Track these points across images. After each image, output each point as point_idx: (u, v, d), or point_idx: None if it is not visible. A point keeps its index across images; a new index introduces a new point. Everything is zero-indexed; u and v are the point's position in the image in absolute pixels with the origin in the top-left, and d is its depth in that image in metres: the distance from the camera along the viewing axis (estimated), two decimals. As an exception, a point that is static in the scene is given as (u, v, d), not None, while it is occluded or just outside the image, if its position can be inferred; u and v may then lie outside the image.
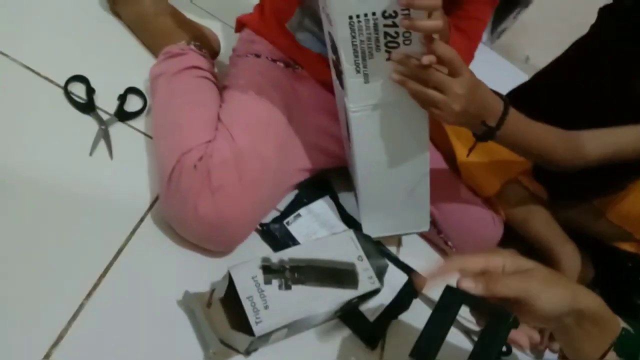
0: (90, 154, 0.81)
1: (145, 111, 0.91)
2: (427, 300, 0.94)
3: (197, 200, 0.73)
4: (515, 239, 1.10)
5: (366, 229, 0.93)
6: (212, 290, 0.74)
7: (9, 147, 0.75)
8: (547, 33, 1.03)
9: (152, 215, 0.79)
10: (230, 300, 0.71)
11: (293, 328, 0.74)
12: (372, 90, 0.74)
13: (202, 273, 0.77)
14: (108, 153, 0.82)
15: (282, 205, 0.91)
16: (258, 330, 0.68)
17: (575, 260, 1.05)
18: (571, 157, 0.89)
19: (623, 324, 0.62)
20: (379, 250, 0.87)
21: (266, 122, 0.82)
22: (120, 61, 0.97)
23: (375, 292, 0.82)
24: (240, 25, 0.99)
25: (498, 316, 0.56)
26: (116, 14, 1.03)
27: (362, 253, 0.83)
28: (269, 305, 0.70)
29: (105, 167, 0.81)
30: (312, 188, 0.96)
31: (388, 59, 0.70)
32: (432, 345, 0.56)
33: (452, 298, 0.58)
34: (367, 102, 0.75)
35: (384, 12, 0.66)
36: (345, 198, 1.00)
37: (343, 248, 0.82)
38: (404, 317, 0.88)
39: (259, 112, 0.83)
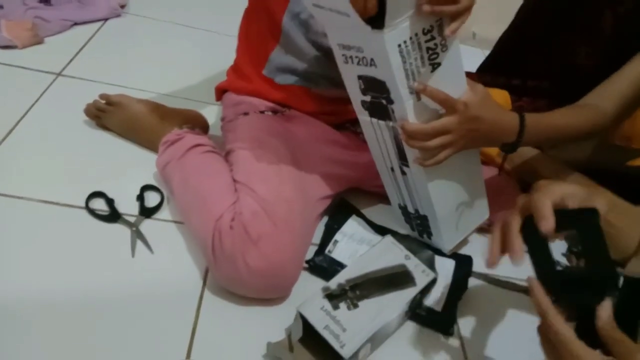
0: (133, 255, 0.85)
1: (165, 201, 0.96)
2: (480, 275, 0.97)
3: (245, 256, 0.77)
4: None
5: (448, 242, 0.96)
6: (289, 334, 0.78)
7: (56, 278, 0.79)
8: (485, 7, 1.10)
9: (209, 289, 0.83)
10: (309, 338, 0.75)
11: (375, 341, 0.77)
12: (424, 105, 0.76)
13: (274, 322, 0.80)
14: (148, 249, 0.87)
15: (317, 238, 0.96)
16: (345, 352, 0.71)
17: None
18: (594, 125, 0.93)
19: None
20: (421, 244, 0.91)
21: (277, 167, 0.87)
22: (125, 166, 1.02)
23: (433, 283, 0.86)
24: (220, 93, 1.05)
25: (584, 216, 0.58)
26: (104, 127, 1.09)
27: (407, 252, 0.87)
28: (346, 327, 0.74)
29: (150, 263, 0.85)
30: (338, 213, 1.01)
31: (432, 71, 0.74)
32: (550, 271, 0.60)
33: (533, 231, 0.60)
34: (424, 118, 0.77)
35: (424, 29, 0.71)
36: (368, 213, 1.04)
37: (389, 253, 0.87)
38: (466, 296, 0.91)
39: (268, 161, 0.88)
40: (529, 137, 0.84)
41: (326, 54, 0.94)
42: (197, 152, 0.93)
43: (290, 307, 0.81)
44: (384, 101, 0.77)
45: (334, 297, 0.78)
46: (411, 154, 0.81)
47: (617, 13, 1.00)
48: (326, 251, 0.93)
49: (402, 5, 0.67)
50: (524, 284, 0.94)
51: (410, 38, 0.70)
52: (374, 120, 0.82)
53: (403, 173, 0.87)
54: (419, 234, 0.99)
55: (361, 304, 0.78)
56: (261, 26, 0.96)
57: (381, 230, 1.00)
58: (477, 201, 0.97)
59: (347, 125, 1.05)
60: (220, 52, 1.27)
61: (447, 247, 0.96)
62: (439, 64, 0.75)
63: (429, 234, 0.96)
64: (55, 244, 0.84)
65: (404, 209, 0.97)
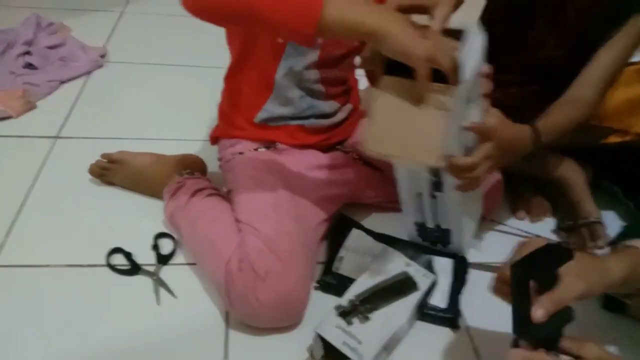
0: (158, 303, 0.93)
1: (178, 245, 1.03)
2: (479, 266, 1.05)
3: (256, 294, 0.84)
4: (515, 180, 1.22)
5: (467, 245, 1.07)
6: (311, 352, 0.86)
7: (90, 335, 0.86)
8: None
9: (232, 324, 0.90)
10: (330, 354, 0.82)
11: (390, 347, 0.85)
12: (460, 138, 0.82)
13: (296, 344, 0.88)
14: (171, 295, 0.94)
15: (323, 257, 1.03)
16: (364, 363, 0.79)
17: (576, 172, 1.17)
18: (585, 115, 1.02)
19: None
20: (419, 250, 0.99)
21: (275, 203, 0.94)
22: (136, 218, 1.09)
23: (434, 284, 0.93)
24: (214, 139, 1.12)
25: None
26: (109, 183, 1.16)
27: (407, 259, 0.95)
28: (361, 340, 0.82)
29: (175, 306, 0.93)
30: (339, 229, 1.08)
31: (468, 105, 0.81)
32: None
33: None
34: (461, 149, 0.83)
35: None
36: (366, 223, 1.12)
37: (390, 264, 0.94)
38: (467, 289, 0.99)
39: (266, 198, 0.95)
40: (543, 142, 0.95)
41: (318, 95, 1.01)
42: (199, 197, 1.00)
43: (308, 327, 0.89)
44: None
45: (346, 314, 0.85)
46: (450, 182, 0.88)
47: (579, 7, 1.06)
48: (333, 269, 1.00)
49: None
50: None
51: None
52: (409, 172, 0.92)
53: (433, 197, 0.96)
54: (431, 244, 1.07)
55: (372, 315, 0.86)
56: (251, 80, 1.01)
57: (381, 238, 1.07)
58: (479, 202, 1.08)
59: (336, 146, 1.12)
60: (207, 86, 1.30)
61: (467, 250, 1.07)
62: (471, 99, 0.81)
63: (446, 243, 1.05)
64: (85, 303, 0.91)
65: (421, 225, 1.04)
